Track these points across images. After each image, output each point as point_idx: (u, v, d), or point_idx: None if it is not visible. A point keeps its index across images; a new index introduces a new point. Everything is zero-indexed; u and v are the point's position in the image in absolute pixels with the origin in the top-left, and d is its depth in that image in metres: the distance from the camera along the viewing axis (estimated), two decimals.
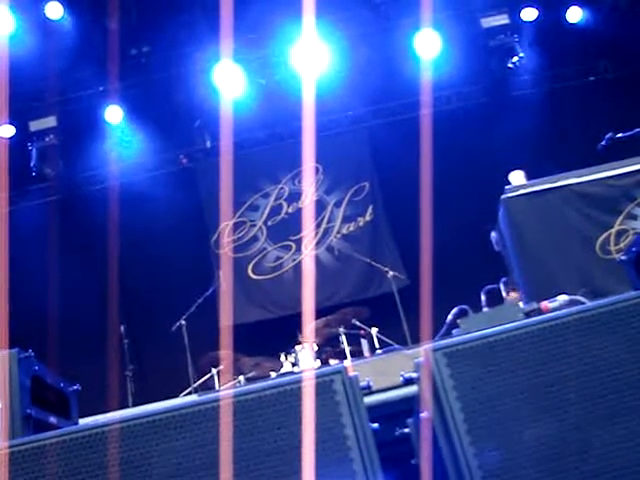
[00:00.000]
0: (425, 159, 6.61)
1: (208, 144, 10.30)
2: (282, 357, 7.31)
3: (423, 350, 2.07)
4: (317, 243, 10.00)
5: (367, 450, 1.95)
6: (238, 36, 8.76)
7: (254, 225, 10.20)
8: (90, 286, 9.18)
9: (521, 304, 3.93)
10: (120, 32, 8.76)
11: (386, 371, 3.40)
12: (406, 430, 2.47)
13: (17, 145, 9.39)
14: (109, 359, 7.89)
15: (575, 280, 4.34)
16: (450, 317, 4.92)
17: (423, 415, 2.10)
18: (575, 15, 9.62)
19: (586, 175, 4.68)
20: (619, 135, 5.25)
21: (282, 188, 10.30)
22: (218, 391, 6.06)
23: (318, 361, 7.16)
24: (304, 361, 6.96)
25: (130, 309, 9.30)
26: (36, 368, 2.88)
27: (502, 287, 6.75)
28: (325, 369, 2.07)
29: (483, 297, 6.90)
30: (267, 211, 10.24)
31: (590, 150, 5.46)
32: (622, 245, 4.40)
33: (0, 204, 8.73)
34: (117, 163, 10.11)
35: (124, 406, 7.42)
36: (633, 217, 4.53)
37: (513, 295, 6.74)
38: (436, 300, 4.96)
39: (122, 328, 8.14)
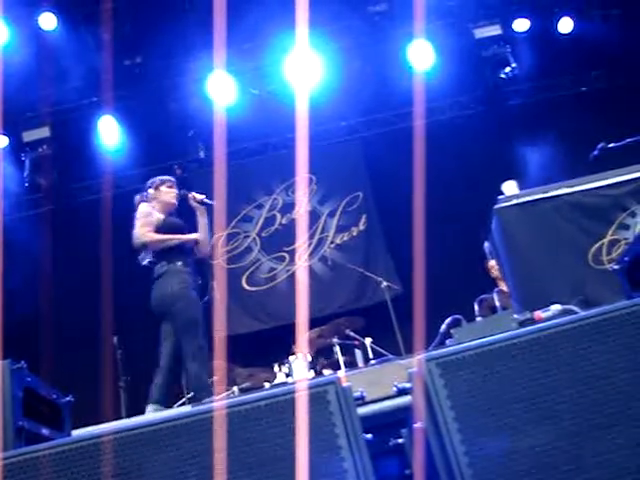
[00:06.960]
0: (418, 169, 6.61)
1: (202, 154, 10.28)
2: (276, 368, 7.29)
3: (416, 360, 2.07)
4: (311, 253, 10.00)
5: (361, 460, 1.94)
6: (231, 47, 8.77)
7: (248, 236, 10.20)
8: (83, 296, 9.14)
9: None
10: (114, 43, 8.77)
11: (380, 381, 3.39)
12: (400, 440, 2.47)
13: (10, 156, 9.38)
14: (102, 370, 7.84)
15: (568, 290, 4.34)
16: (444, 327, 4.93)
17: (417, 425, 2.10)
18: (567, 26, 9.69)
19: (578, 185, 4.69)
20: (611, 145, 5.28)
21: (276, 199, 10.30)
22: (212, 402, 6.03)
23: (312, 372, 7.14)
24: (298, 372, 6.94)
25: (123, 320, 9.26)
26: (28, 379, 2.85)
27: (495, 297, 6.77)
28: (319, 380, 2.06)
29: (476, 307, 6.93)
30: (261, 222, 10.24)
31: (582, 160, 5.48)
32: (614, 255, 4.40)
33: None
34: (111, 174, 10.09)
35: (117, 417, 7.36)
36: (625, 227, 4.54)
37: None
38: (430, 310, 4.95)
39: (115, 339, 8.10)
